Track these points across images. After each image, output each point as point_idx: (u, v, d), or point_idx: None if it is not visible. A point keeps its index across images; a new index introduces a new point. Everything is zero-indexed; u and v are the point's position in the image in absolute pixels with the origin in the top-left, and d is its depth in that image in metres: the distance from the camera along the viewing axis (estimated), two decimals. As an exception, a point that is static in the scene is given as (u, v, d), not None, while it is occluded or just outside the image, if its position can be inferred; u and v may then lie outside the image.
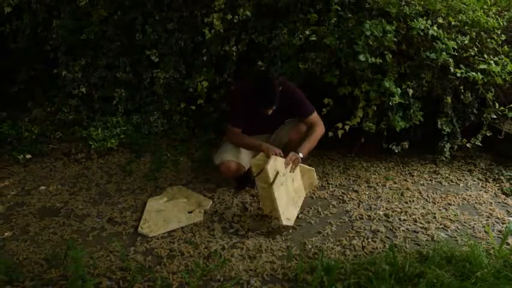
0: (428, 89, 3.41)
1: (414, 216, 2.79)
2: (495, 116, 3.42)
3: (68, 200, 3.04)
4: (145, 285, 2.17)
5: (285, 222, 2.59)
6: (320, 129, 2.92)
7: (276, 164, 2.63)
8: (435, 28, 3.25)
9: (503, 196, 3.05)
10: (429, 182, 3.29)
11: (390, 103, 3.22)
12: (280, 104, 2.76)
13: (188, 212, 2.83)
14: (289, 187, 2.72)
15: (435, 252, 2.30)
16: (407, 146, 3.48)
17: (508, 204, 2.95)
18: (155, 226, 2.68)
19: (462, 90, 3.40)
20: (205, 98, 4.02)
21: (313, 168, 2.98)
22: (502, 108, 3.36)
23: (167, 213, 2.81)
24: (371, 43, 3.17)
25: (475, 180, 3.29)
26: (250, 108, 2.81)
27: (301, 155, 2.76)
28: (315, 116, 2.94)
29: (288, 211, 2.65)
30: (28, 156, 3.69)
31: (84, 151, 3.81)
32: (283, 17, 3.65)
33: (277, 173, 2.60)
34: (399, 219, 2.77)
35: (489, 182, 3.25)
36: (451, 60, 3.24)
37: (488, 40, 3.40)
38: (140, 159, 3.71)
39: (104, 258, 2.38)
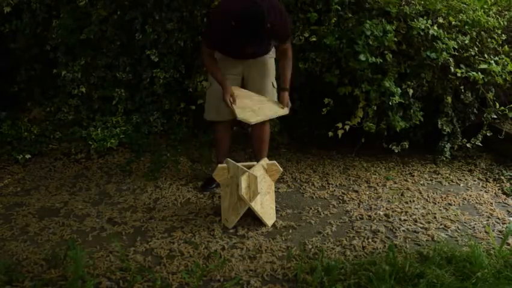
0: (428, 88, 3.41)
1: (414, 217, 2.79)
2: (495, 116, 3.42)
3: (68, 200, 3.04)
4: (144, 285, 2.16)
5: (224, 223, 2.71)
6: (290, 55, 2.94)
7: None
8: (435, 28, 3.25)
9: (504, 196, 3.05)
10: (430, 182, 3.28)
11: (390, 103, 3.22)
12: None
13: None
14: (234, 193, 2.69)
15: (436, 253, 2.30)
16: (407, 146, 3.48)
17: (508, 204, 2.95)
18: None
19: (462, 90, 3.40)
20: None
21: (274, 162, 2.84)
22: (502, 108, 3.36)
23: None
24: (371, 43, 3.17)
25: (475, 180, 3.29)
26: (230, 32, 2.59)
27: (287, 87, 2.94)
28: (288, 43, 2.92)
29: (227, 214, 2.71)
30: (28, 156, 3.68)
31: (84, 151, 3.80)
32: (284, 16, 3.64)
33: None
34: (400, 219, 2.77)
35: (489, 182, 3.25)
36: (451, 60, 3.24)
37: (489, 40, 3.40)
38: (140, 159, 3.71)
39: (103, 259, 2.37)
